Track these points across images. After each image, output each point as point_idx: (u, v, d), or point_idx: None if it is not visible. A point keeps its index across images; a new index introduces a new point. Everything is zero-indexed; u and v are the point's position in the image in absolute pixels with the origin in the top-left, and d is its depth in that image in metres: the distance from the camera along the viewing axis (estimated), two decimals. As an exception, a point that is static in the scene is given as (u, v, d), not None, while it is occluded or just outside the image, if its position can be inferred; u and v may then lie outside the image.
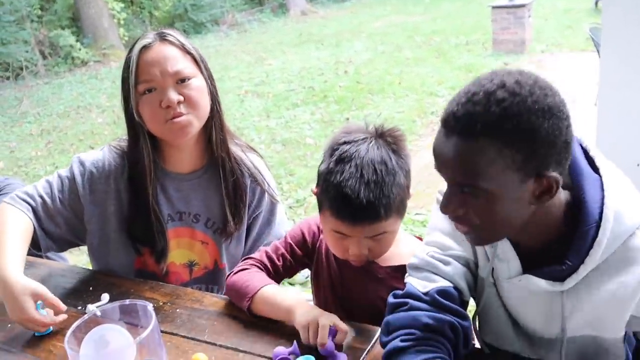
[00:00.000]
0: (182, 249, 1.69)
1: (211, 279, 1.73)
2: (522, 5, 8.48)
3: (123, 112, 1.59)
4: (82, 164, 1.64)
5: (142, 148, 1.58)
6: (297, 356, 1.16)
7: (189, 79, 1.53)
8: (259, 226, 1.76)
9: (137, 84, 1.52)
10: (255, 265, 1.47)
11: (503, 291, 1.15)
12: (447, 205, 1.02)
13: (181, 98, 1.51)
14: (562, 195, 1.06)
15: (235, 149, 1.71)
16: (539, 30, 9.68)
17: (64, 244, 1.69)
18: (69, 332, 0.95)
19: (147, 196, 1.60)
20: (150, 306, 1.00)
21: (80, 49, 12.55)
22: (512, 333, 1.19)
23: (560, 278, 1.06)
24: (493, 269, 1.14)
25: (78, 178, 1.63)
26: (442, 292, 1.11)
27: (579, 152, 1.08)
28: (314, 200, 4.86)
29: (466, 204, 1.00)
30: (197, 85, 1.55)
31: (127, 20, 14.16)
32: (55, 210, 1.62)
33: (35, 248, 1.62)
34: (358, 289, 1.42)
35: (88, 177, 1.63)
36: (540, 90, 0.94)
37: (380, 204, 1.23)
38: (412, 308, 1.10)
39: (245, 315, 1.37)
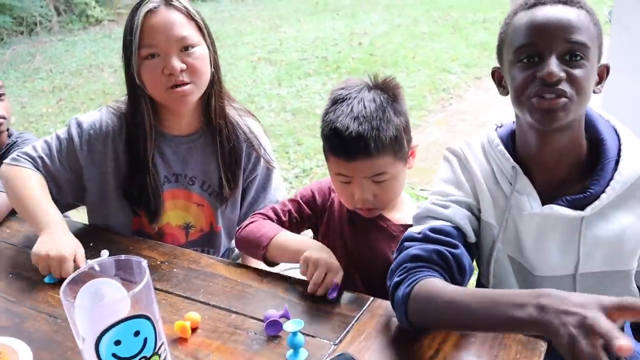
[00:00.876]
0: (178, 210, 1.71)
1: (207, 241, 1.75)
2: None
3: (124, 74, 1.59)
4: (79, 125, 1.66)
5: (143, 111, 1.59)
6: (288, 319, 1.18)
7: (192, 47, 1.53)
8: (255, 190, 1.77)
9: (140, 48, 1.52)
10: (263, 219, 1.51)
11: (520, 227, 1.20)
12: (553, 69, 1.06)
13: (184, 66, 1.51)
14: (584, 133, 1.18)
15: (232, 114, 1.71)
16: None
17: (63, 205, 1.71)
18: (64, 284, 0.96)
19: (145, 157, 1.62)
20: (144, 262, 1.02)
21: (95, 7, 12.47)
22: (513, 279, 1.24)
23: (581, 207, 1.14)
24: (503, 210, 1.20)
25: (76, 139, 1.64)
26: (434, 229, 1.17)
27: (589, 107, 1.19)
28: (320, 170, 4.89)
29: (568, 71, 1.08)
30: (201, 53, 1.55)
31: (143, -20, 14.06)
32: (55, 171, 1.65)
33: None
34: (371, 247, 1.46)
35: (86, 138, 1.64)
36: None
37: (370, 137, 1.30)
38: (407, 248, 1.16)
39: (239, 277, 1.39)
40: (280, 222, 1.52)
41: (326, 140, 1.39)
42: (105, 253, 1.50)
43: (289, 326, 1.12)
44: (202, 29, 1.57)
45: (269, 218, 1.52)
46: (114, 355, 0.94)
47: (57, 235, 1.47)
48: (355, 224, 1.48)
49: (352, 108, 1.33)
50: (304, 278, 1.41)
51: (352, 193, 1.38)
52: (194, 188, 1.71)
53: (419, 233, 1.18)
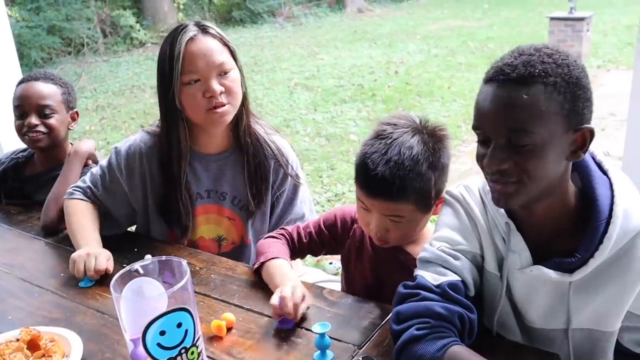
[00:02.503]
0: (211, 225, 1.83)
1: (238, 254, 1.85)
2: (582, 19, 8.36)
3: (159, 98, 1.70)
4: (118, 152, 1.80)
5: (180, 132, 1.70)
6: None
7: (228, 72, 1.65)
8: (282, 205, 1.87)
9: (182, 74, 1.62)
10: (284, 236, 1.59)
11: (513, 281, 1.21)
12: (494, 160, 1.06)
13: (222, 89, 1.63)
14: (573, 189, 1.15)
15: (259, 131, 1.81)
16: (597, 46, 9.53)
17: (117, 227, 1.87)
18: (114, 278, 1.07)
19: (179, 176, 1.74)
20: (184, 262, 1.12)
21: (139, 30, 12.91)
22: (515, 326, 1.25)
23: (569, 270, 1.13)
24: (503, 260, 1.20)
25: (115, 166, 1.79)
26: (452, 285, 1.17)
27: (587, 156, 1.16)
28: (352, 195, 4.97)
29: (513, 156, 1.05)
30: (235, 76, 1.67)
31: (186, 5, 14.48)
32: (104, 197, 1.81)
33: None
34: (388, 276, 1.48)
35: (124, 164, 1.78)
36: (574, 56, 1.09)
37: (394, 184, 1.31)
38: (425, 299, 1.15)
39: (273, 285, 1.49)
40: (300, 242, 1.59)
41: (356, 168, 1.40)
42: (149, 257, 1.61)
43: (317, 328, 1.21)
44: (234, 54, 1.69)
45: (291, 238, 1.60)
46: (158, 344, 1.04)
47: (91, 246, 1.64)
48: (376, 255, 1.51)
49: (387, 149, 1.33)
50: (333, 287, 1.50)
51: (369, 222, 1.41)
52: (225, 203, 1.82)
53: (437, 286, 1.16)
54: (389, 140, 1.34)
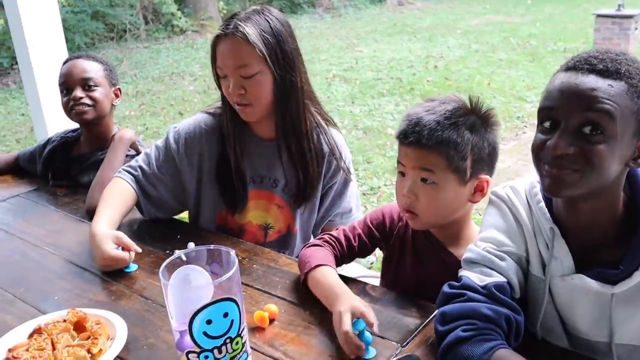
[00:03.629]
0: (260, 211, 1.83)
1: (283, 243, 1.86)
2: (630, 16, 8.16)
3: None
4: (177, 132, 1.82)
5: (228, 114, 1.75)
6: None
7: (252, 75, 1.64)
8: (332, 197, 1.87)
9: (215, 67, 1.69)
10: (329, 243, 1.53)
11: (556, 288, 1.19)
12: (559, 142, 1.03)
13: (242, 91, 1.65)
14: (622, 198, 1.12)
15: (319, 122, 1.81)
16: (644, 45, 9.28)
17: (167, 210, 1.88)
18: (162, 265, 1.08)
19: (234, 153, 1.77)
20: (233, 252, 1.12)
21: (180, 18, 13.01)
22: (561, 331, 1.22)
23: (612, 282, 1.10)
24: (545, 266, 1.18)
25: (173, 146, 1.81)
26: (498, 286, 1.15)
27: None
28: (388, 189, 4.92)
29: (580, 144, 1.03)
30: (260, 80, 1.65)
31: (227, -6, 14.55)
32: (154, 178, 1.82)
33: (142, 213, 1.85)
34: (430, 276, 1.43)
35: (183, 143, 1.80)
36: None
37: (427, 127, 1.32)
38: (471, 299, 1.13)
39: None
40: (349, 246, 1.55)
41: (400, 124, 1.42)
42: (191, 245, 1.62)
43: (358, 325, 1.20)
44: (267, 55, 1.64)
45: (338, 242, 1.54)
46: (204, 333, 1.04)
47: (96, 242, 1.59)
48: (418, 255, 1.50)
49: (431, 106, 1.37)
50: (376, 284, 1.49)
51: (403, 187, 1.40)
52: (277, 190, 1.82)
53: (483, 287, 1.15)
54: (435, 103, 1.38)
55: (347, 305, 1.24)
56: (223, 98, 1.75)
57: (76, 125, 2.26)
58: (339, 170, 1.84)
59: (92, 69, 2.14)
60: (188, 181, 1.83)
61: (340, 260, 1.54)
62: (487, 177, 1.39)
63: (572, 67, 1.06)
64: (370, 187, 4.83)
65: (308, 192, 1.81)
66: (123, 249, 1.58)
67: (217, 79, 1.72)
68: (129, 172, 1.84)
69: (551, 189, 1.10)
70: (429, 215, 1.40)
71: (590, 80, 1.02)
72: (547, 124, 1.08)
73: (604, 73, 1.02)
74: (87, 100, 2.10)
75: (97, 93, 2.12)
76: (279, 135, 1.78)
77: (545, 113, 1.08)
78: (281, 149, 1.80)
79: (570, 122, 1.03)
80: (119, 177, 1.83)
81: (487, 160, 1.38)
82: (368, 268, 3.22)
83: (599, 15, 8.43)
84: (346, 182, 1.87)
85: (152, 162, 1.83)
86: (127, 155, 2.11)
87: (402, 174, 1.41)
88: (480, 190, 1.40)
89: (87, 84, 2.11)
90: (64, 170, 2.22)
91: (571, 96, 1.03)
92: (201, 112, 1.87)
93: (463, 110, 1.36)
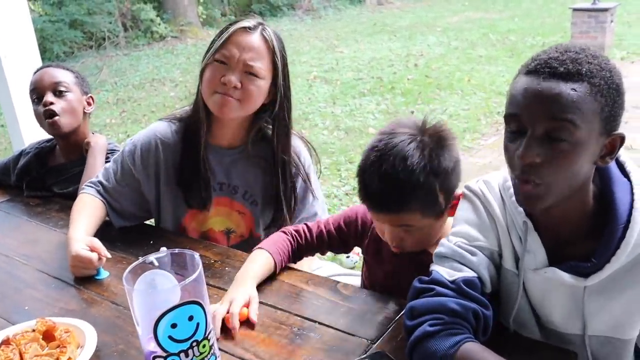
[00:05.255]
0: (221, 217, 1.84)
1: (246, 246, 1.84)
2: (605, 10, 8.23)
3: (199, 78, 1.72)
4: (132, 144, 1.83)
5: (200, 117, 1.74)
6: None
7: (256, 77, 1.65)
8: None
9: (218, 51, 1.66)
10: (298, 233, 1.58)
11: (529, 281, 1.19)
12: (528, 150, 1.03)
13: (239, 85, 1.64)
14: (593, 191, 1.13)
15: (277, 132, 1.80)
16: (621, 37, 9.38)
17: (134, 219, 1.89)
18: (126, 271, 1.08)
19: (196, 154, 1.76)
20: (197, 255, 1.12)
21: (159, 24, 12.97)
22: (534, 324, 1.23)
23: (584, 274, 1.11)
24: (519, 260, 1.19)
25: (129, 158, 1.82)
26: (467, 281, 1.15)
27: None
28: (369, 187, 4.91)
29: (546, 152, 1.03)
30: (260, 85, 1.67)
31: (206, -1, 14.52)
32: (114, 191, 1.83)
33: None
34: (408, 276, 1.38)
35: (138, 155, 1.80)
36: (610, 60, 1.07)
37: (391, 198, 1.30)
38: (439, 294, 1.13)
39: (286, 279, 1.49)
40: (319, 239, 1.58)
41: (358, 184, 1.38)
42: (164, 250, 1.61)
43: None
44: (277, 68, 1.69)
45: (310, 234, 1.59)
46: (169, 337, 1.04)
47: (70, 244, 1.60)
48: (395, 255, 1.48)
49: (382, 164, 1.29)
50: (351, 282, 1.50)
51: (383, 231, 1.41)
52: (237, 197, 1.83)
53: (452, 282, 1.15)
54: (383, 152, 1.30)
55: (234, 292, 1.36)
56: (196, 100, 1.74)
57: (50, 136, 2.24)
58: (298, 177, 1.85)
59: (62, 75, 2.13)
60: (147, 191, 1.84)
61: (306, 251, 1.58)
62: (458, 192, 1.37)
63: (534, 70, 1.04)
64: (353, 187, 4.83)
65: (272, 200, 1.82)
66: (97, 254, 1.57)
67: (205, 66, 1.69)
68: (91, 187, 1.85)
69: (526, 204, 1.12)
70: (418, 247, 1.42)
71: (553, 86, 1.01)
72: (514, 129, 1.07)
73: (566, 76, 1.01)
74: (57, 107, 2.06)
75: (69, 98, 2.10)
76: (243, 144, 1.80)
77: (511, 119, 1.07)
78: (241, 157, 1.81)
79: (536, 130, 1.03)
80: (85, 192, 1.84)
81: (455, 182, 1.36)
82: (351, 268, 3.23)
83: (575, 9, 8.50)
84: (307, 187, 1.88)
85: (110, 177, 1.85)
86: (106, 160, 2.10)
87: (377, 219, 1.41)
88: (457, 202, 1.36)
89: (57, 89, 2.09)
90: (38, 180, 2.20)
91: (535, 104, 1.02)
92: (158, 120, 1.88)
93: (418, 156, 1.28)
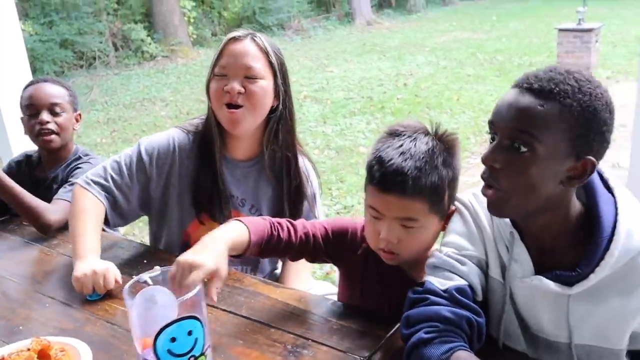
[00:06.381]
0: None
1: (246, 260, 1.88)
2: (590, 30, 8.38)
3: (207, 97, 1.78)
4: (150, 143, 1.83)
5: (212, 126, 1.78)
6: None
7: (256, 78, 1.70)
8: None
9: (216, 65, 1.73)
10: (283, 227, 1.48)
11: (516, 290, 1.23)
12: (491, 154, 1.11)
13: (242, 90, 1.68)
14: (577, 206, 1.17)
15: (294, 149, 1.86)
16: (606, 57, 9.54)
17: (131, 217, 1.89)
18: (126, 286, 1.10)
19: (212, 169, 1.79)
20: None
21: (150, 44, 13.03)
22: (520, 334, 1.26)
23: (569, 283, 1.15)
24: (505, 269, 1.22)
25: (145, 156, 1.80)
26: (459, 289, 1.19)
27: (594, 173, 1.16)
28: (361, 207, 4.94)
29: (508, 159, 1.09)
30: (263, 85, 1.71)
31: (196, 19, 14.61)
32: (125, 187, 1.80)
33: (105, 223, 1.82)
34: (396, 297, 1.39)
35: (156, 155, 1.81)
36: (605, 90, 1.11)
37: (409, 175, 1.27)
38: (432, 303, 1.17)
39: (279, 297, 1.50)
40: (303, 242, 1.49)
41: (368, 169, 1.36)
42: (157, 269, 1.63)
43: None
44: (275, 68, 1.73)
45: (294, 233, 1.48)
46: (168, 351, 1.05)
47: (91, 260, 1.60)
48: (382, 276, 1.48)
49: (402, 143, 1.31)
50: (334, 299, 1.51)
51: (379, 231, 1.35)
52: (243, 210, 1.85)
53: (444, 291, 1.18)
54: (403, 137, 1.34)
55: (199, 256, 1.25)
56: (209, 113, 1.79)
57: (34, 147, 2.28)
58: (305, 195, 1.89)
59: (59, 93, 2.19)
60: (154, 191, 1.83)
61: (282, 249, 1.48)
62: (452, 207, 1.38)
63: (518, 84, 1.12)
64: (344, 206, 4.86)
65: (294, 216, 1.83)
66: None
67: (208, 84, 1.75)
68: (98, 183, 1.79)
69: (490, 209, 1.18)
70: (410, 253, 1.38)
71: (525, 100, 1.08)
72: (491, 135, 1.15)
73: (539, 93, 1.08)
74: (52, 126, 2.15)
75: (62, 119, 2.18)
76: (256, 156, 1.83)
77: (489, 126, 1.15)
78: (253, 170, 1.84)
79: (503, 138, 1.11)
80: (85, 189, 1.77)
81: (456, 189, 1.38)
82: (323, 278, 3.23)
83: (561, 30, 8.65)
84: (311, 207, 1.93)
85: (123, 171, 1.80)
86: (79, 165, 2.15)
87: (376, 217, 1.36)
88: (452, 213, 1.37)
89: (53, 109, 2.16)
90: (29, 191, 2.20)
91: (507, 113, 1.10)
92: (174, 127, 1.89)
93: (435, 145, 1.32)
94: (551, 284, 1.15)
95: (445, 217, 1.38)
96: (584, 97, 1.07)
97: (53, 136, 2.14)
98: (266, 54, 1.72)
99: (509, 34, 13.07)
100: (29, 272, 1.76)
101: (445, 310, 1.15)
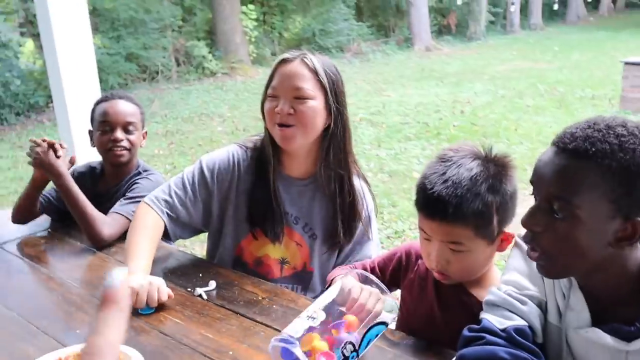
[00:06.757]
0: (279, 245, 1.86)
1: (298, 279, 1.89)
2: (658, 65, 8.12)
3: (262, 118, 1.81)
4: (211, 159, 1.87)
5: (267, 143, 1.80)
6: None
7: (306, 99, 1.70)
8: (353, 243, 1.90)
9: (268, 86, 1.75)
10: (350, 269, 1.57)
11: (572, 340, 1.16)
12: (530, 218, 1.06)
13: (292, 111, 1.70)
14: (638, 259, 1.08)
15: (351, 171, 1.85)
16: (674, 93, 9.20)
17: (191, 232, 1.92)
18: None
19: (268, 186, 1.81)
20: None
21: (211, 60, 13.32)
22: None
23: (627, 338, 1.07)
24: (562, 316, 1.16)
25: (207, 172, 1.84)
26: (518, 330, 1.14)
27: None
28: (412, 233, 4.88)
29: (548, 223, 1.05)
30: (312, 105, 1.71)
31: (257, 39, 14.87)
32: (189, 202, 1.84)
33: (167, 237, 1.86)
34: (450, 317, 1.44)
35: (217, 170, 1.85)
36: None
37: (450, 203, 1.29)
38: (489, 343, 1.12)
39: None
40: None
41: (416, 192, 1.40)
42: (212, 284, 1.65)
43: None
44: (326, 88, 1.73)
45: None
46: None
47: (142, 274, 1.61)
48: (440, 294, 1.48)
49: (446, 170, 1.33)
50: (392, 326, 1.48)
51: (430, 252, 1.39)
52: (297, 228, 1.86)
53: (502, 330, 1.14)
54: (449, 163, 1.35)
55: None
56: (265, 134, 1.82)
57: (97, 159, 2.33)
58: (360, 218, 1.87)
59: (133, 112, 2.25)
60: (215, 207, 1.87)
61: None
62: (513, 231, 1.37)
63: (555, 142, 1.07)
64: (395, 231, 4.81)
65: (344, 238, 1.86)
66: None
67: (263, 103, 1.78)
68: (162, 199, 1.83)
69: (539, 271, 1.13)
70: (461, 276, 1.42)
71: (560, 162, 1.03)
72: (534, 194, 1.10)
73: (574, 154, 1.02)
74: (125, 144, 2.20)
75: (134, 137, 2.23)
76: (312, 175, 1.83)
77: (531, 185, 1.10)
78: (309, 189, 1.85)
79: (542, 201, 1.06)
80: (149, 206, 1.82)
81: (510, 211, 1.37)
82: (388, 311, 3.19)
83: (627, 63, 8.40)
84: (368, 229, 1.91)
85: (187, 187, 1.85)
86: (137, 180, 2.19)
87: (427, 239, 1.40)
88: (506, 239, 1.39)
89: (127, 127, 2.21)
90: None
91: (541, 175, 1.06)
92: (233, 143, 1.93)
93: (482, 171, 1.33)
94: (607, 338, 1.08)
95: (500, 241, 1.39)
96: (626, 155, 0.99)
97: (124, 152, 2.20)
98: (315, 73, 1.73)
99: (571, 65, 12.80)
100: (87, 277, 1.80)
101: (502, 352, 1.09)
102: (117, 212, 2.06)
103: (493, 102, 9.54)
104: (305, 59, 1.74)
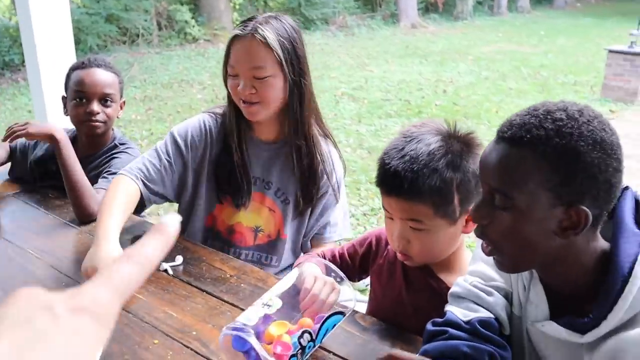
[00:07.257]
0: (251, 212, 1.84)
1: (272, 247, 1.87)
2: (641, 54, 8.14)
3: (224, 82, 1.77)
4: (183, 128, 1.84)
5: (232, 110, 1.78)
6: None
7: (264, 77, 1.66)
8: (321, 208, 1.89)
9: (227, 65, 1.72)
10: (318, 255, 1.55)
11: (530, 334, 1.14)
12: (475, 212, 1.04)
13: (253, 90, 1.67)
14: (599, 244, 1.04)
15: (315, 133, 1.82)
16: (655, 83, 9.25)
17: (162, 200, 1.87)
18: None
19: (234, 153, 1.78)
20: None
21: (193, 26, 13.07)
22: None
23: (582, 330, 1.03)
24: (522, 308, 1.14)
25: (180, 140, 1.82)
26: (483, 322, 1.11)
27: (628, 206, 1.05)
28: (388, 211, 4.84)
29: (493, 216, 1.01)
30: (272, 83, 1.68)
31: (242, 6, 14.63)
32: (164, 171, 1.81)
33: (141, 203, 1.81)
34: (420, 302, 1.42)
35: (190, 139, 1.82)
36: (599, 123, 0.95)
37: (406, 178, 1.25)
38: (451, 337, 1.10)
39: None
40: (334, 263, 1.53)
41: (377, 168, 1.36)
42: (179, 259, 1.59)
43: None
44: (282, 61, 1.67)
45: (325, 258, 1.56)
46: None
47: (103, 248, 1.53)
48: (408, 278, 1.46)
49: (405, 146, 1.29)
50: (362, 311, 1.45)
51: (393, 231, 1.36)
52: (269, 193, 1.84)
53: (466, 323, 1.12)
54: (409, 138, 1.31)
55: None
56: (229, 97, 1.77)
57: (70, 126, 2.21)
58: (328, 184, 1.85)
59: (111, 82, 2.11)
60: (190, 177, 1.84)
61: None
62: None
63: (497, 132, 1.02)
64: (371, 208, 4.79)
65: (302, 203, 1.83)
66: None
67: (226, 76, 1.74)
68: (138, 168, 1.80)
69: (498, 267, 1.10)
70: (423, 257, 1.38)
71: (498, 152, 1.00)
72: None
73: (511, 142, 0.98)
74: (101, 117, 2.08)
75: (111, 109, 2.11)
76: (283, 138, 1.81)
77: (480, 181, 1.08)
78: (281, 153, 1.82)
79: (484, 193, 1.04)
80: (124, 175, 1.77)
81: (474, 191, 1.32)
82: (361, 290, 3.18)
83: (611, 51, 8.41)
84: (335, 197, 1.89)
85: (162, 157, 1.81)
86: (115, 155, 2.11)
87: (390, 218, 1.37)
88: (471, 220, 1.34)
89: (105, 99, 2.09)
90: (56, 171, 2.17)
91: (483, 168, 1.03)
92: (204, 112, 1.90)
93: (441, 146, 1.28)
94: (562, 331, 1.04)
95: (465, 222, 1.35)
96: (562, 140, 0.93)
97: (100, 124, 2.08)
98: (271, 49, 1.66)
99: (556, 50, 12.80)
100: (49, 246, 1.73)
101: (464, 346, 1.08)
102: (100, 188, 1.98)
103: (476, 83, 9.51)
104: (256, 35, 1.65)
